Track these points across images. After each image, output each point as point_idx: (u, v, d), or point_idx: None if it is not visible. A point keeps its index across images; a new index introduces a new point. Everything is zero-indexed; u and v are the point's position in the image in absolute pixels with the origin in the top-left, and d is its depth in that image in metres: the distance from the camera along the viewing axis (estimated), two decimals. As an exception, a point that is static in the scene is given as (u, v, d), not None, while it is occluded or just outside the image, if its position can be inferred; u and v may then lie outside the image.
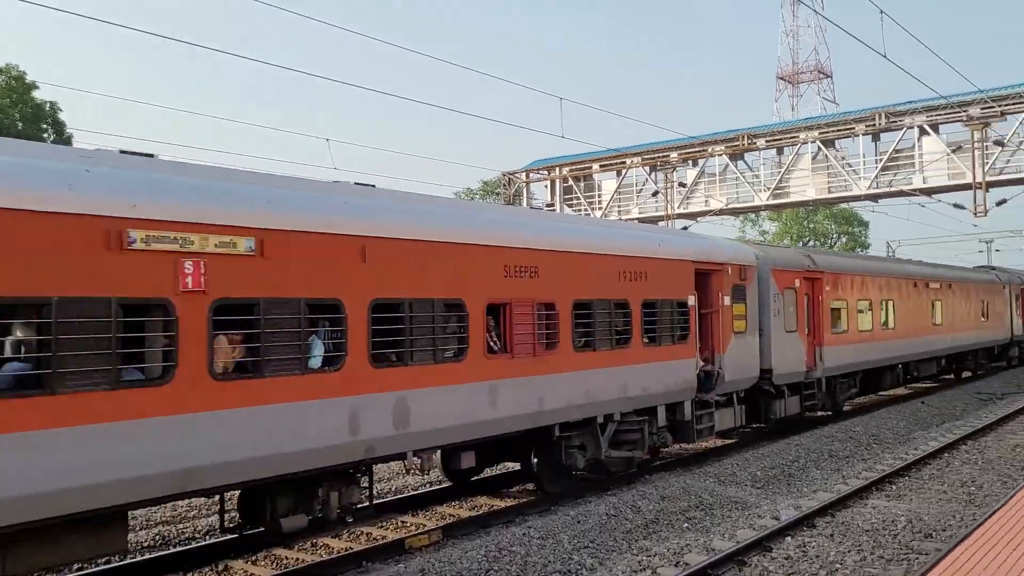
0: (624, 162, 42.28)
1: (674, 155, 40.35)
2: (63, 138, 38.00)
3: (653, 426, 14.68)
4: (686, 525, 12.23)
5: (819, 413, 21.56)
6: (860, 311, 22.80)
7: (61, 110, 40.10)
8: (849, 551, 10.62)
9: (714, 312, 16.19)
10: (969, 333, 31.49)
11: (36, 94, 39.07)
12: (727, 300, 16.48)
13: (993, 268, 37.76)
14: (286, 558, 10.77)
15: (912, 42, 62.32)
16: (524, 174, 45.83)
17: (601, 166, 43.25)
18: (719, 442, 18.79)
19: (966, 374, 33.18)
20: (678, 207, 40.22)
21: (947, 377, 32.18)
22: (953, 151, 33.50)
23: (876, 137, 35.79)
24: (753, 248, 18.75)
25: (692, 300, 15.49)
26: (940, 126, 34.27)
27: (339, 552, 10.79)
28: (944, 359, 29.68)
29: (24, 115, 38.15)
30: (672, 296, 14.99)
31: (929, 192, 34.90)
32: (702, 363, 15.82)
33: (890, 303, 24.74)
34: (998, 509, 10.23)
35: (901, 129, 34.65)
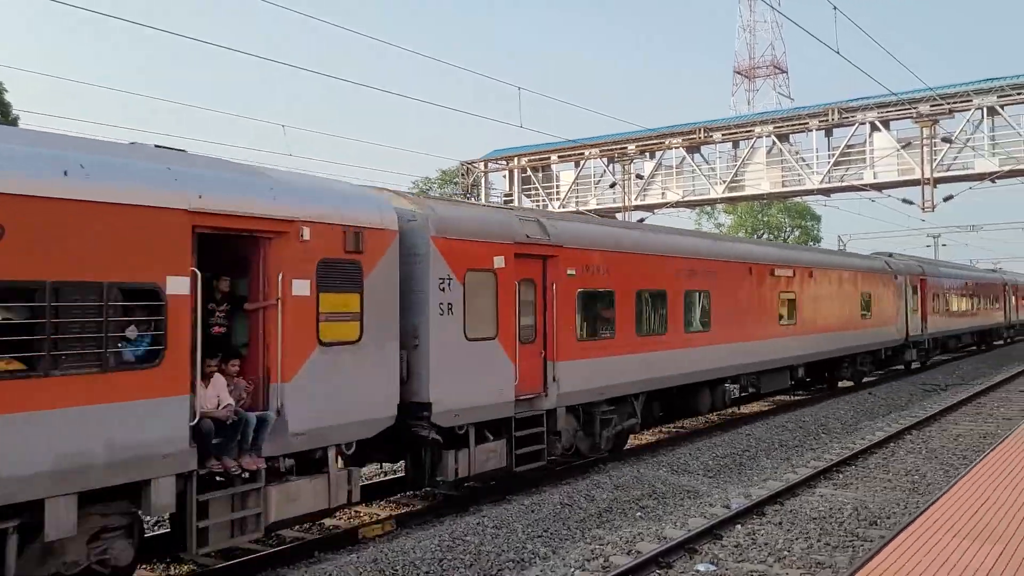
0: (582, 153, 42.44)
1: (632, 147, 40.61)
2: (9, 119, 36.89)
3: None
4: (639, 514, 12.36)
5: (554, 459, 14.12)
6: (643, 306, 15.76)
7: (7, 91, 38.90)
8: (797, 539, 10.82)
9: (268, 308, 9.20)
10: (843, 333, 25.00)
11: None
12: (303, 287, 9.39)
13: (890, 255, 33.14)
14: (236, 549, 10.63)
15: (865, 39, 63.46)
16: (483, 164, 45.74)
17: (559, 157, 43.36)
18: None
19: (845, 383, 27.25)
20: (635, 199, 40.50)
21: (819, 387, 26.49)
22: (903, 147, 34.21)
23: (829, 132, 36.43)
24: (410, 202, 11.75)
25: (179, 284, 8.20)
26: (891, 122, 34.98)
27: (291, 542, 10.69)
28: (801, 368, 22.58)
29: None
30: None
31: (879, 187, 35.62)
32: (225, 402, 8.74)
33: (700, 295, 17.67)
34: (940, 497, 10.50)
35: (853, 125, 35.31)
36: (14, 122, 35.80)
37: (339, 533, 11.02)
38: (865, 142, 35.31)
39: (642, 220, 38.19)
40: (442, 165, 60.95)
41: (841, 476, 14.81)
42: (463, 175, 46.21)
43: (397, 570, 9.43)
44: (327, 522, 11.68)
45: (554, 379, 13.33)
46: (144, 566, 9.90)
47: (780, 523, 11.61)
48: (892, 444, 17.83)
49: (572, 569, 9.71)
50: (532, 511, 11.87)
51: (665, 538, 10.83)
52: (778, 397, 24.73)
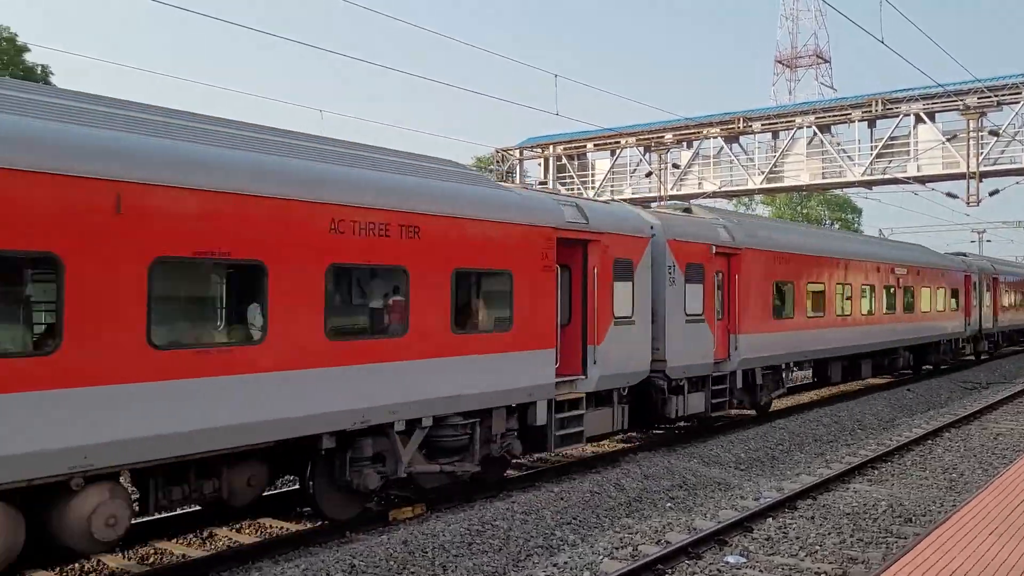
0: (618, 142, 42.20)
1: (669, 136, 40.29)
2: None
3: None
4: (668, 504, 12.31)
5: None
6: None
7: (53, 73, 39.64)
8: (829, 533, 10.71)
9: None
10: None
11: (27, 56, 38.59)
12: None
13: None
14: (270, 527, 10.80)
15: (911, 29, 62.19)
16: (518, 151, 45.68)
17: (595, 145, 43.15)
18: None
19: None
20: (671, 188, 40.19)
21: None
22: (948, 140, 33.53)
23: (872, 124, 35.83)
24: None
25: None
26: (936, 114, 34.31)
27: (323, 522, 10.83)
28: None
29: (15, 77, 37.72)
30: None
31: (923, 180, 34.97)
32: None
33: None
34: (977, 495, 10.32)
35: (897, 116, 34.67)
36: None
37: (370, 515, 11.13)
38: (909, 134, 34.67)
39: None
40: (477, 152, 60.90)
41: (876, 472, 14.61)
42: (498, 162, 46.19)
43: (427, 552, 9.50)
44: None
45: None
46: (180, 537, 10.10)
47: (812, 517, 11.49)
48: (930, 441, 17.55)
49: (601, 557, 9.71)
50: (561, 498, 11.89)
51: (695, 529, 10.78)
52: (819, 391, 24.64)
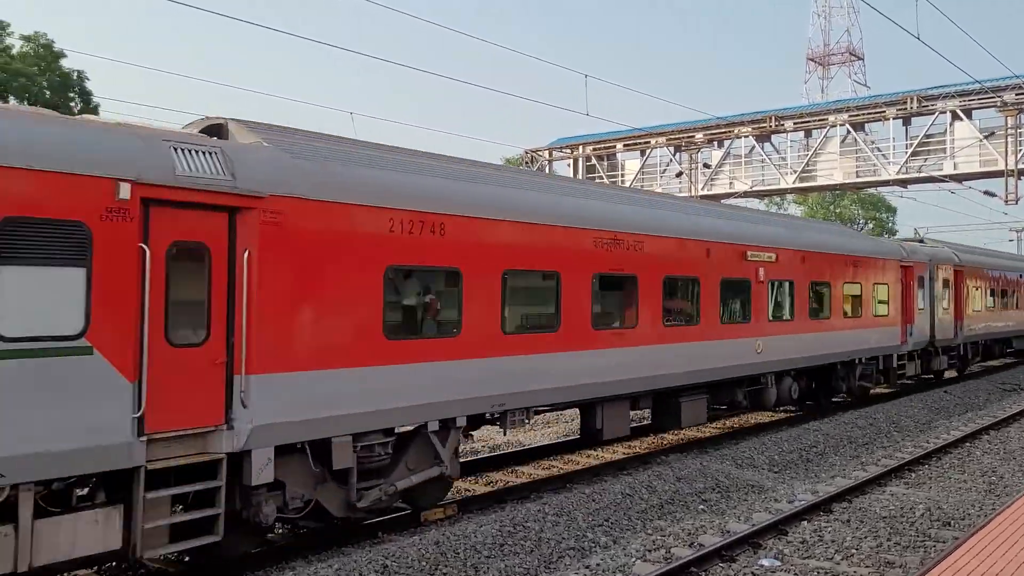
0: (648, 142, 41.98)
1: (699, 136, 39.99)
2: (90, 107, 38.23)
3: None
4: (701, 507, 12.22)
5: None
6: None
7: (88, 79, 40.32)
8: (865, 537, 10.56)
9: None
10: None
11: (63, 62, 39.25)
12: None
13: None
14: (303, 527, 10.88)
15: (947, 24, 61.18)
16: (547, 152, 45.63)
17: (625, 145, 42.97)
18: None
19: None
20: (702, 188, 39.91)
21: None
22: (986, 137, 32.93)
23: (907, 121, 35.25)
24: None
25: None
26: (973, 111, 33.69)
27: (355, 524, 10.87)
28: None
29: (52, 84, 38.39)
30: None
31: (960, 178, 34.37)
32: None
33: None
34: (1018, 499, 10.12)
35: (933, 114, 34.09)
36: (95, 110, 37.09)
37: (402, 515, 11.16)
38: (945, 132, 34.08)
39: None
40: (506, 153, 60.95)
41: (913, 475, 14.38)
42: (527, 163, 46.17)
43: (458, 553, 9.51)
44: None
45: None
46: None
47: (848, 521, 11.34)
48: (968, 444, 17.25)
49: (633, 559, 9.65)
50: (593, 500, 11.84)
51: (728, 531, 10.69)
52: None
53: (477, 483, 13.41)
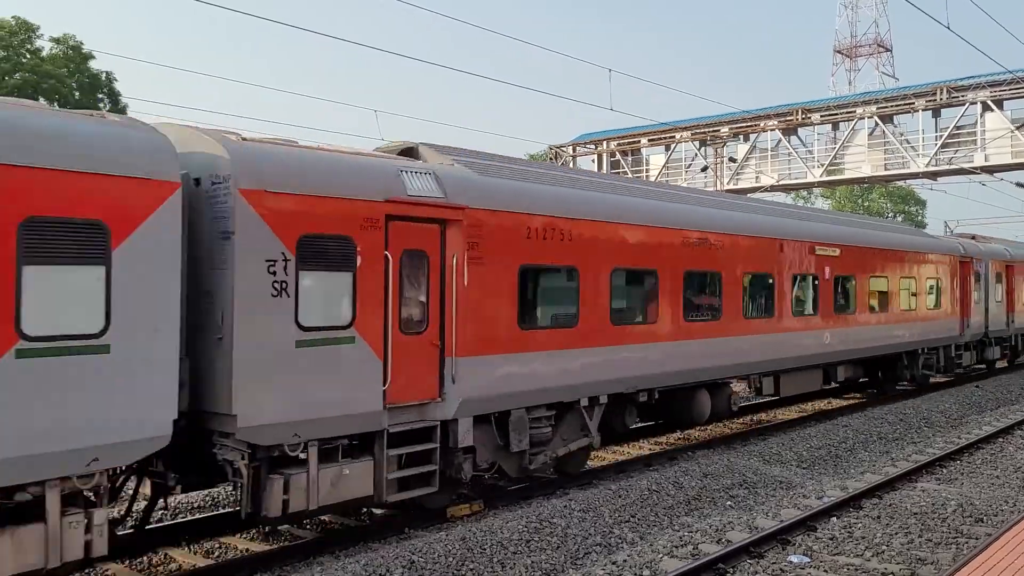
0: (673, 136, 41.72)
1: (725, 130, 39.67)
2: (118, 108, 38.71)
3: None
4: (729, 503, 12.14)
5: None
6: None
7: (116, 80, 40.82)
8: (896, 533, 10.43)
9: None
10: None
11: (92, 64, 39.77)
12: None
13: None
14: (330, 522, 10.95)
15: (977, 13, 60.22)
16: (571, 148, 45.51)
17: (649, 140, 42.74)
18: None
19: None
20: (728, 182, 39.61)
21: None
22: (1017, 128, 32.37)
23: (937, 113, 34.74)
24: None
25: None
26: (1004, 102, 33.13)
27: (381, 518, 10.93)
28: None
29: (81, 85, 38.91)
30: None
31: (991, 170, 33.83)
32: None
33: None
34: (1054, 495, 9.94)
35: (963, 105, 33.56)
36: (123, 110, 37.53)
37: (428, 512, 11.19)
38: (976, 123, 33.53)
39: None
40: (530, 149, 60.82)
41: (945, 471, 14.19)
42: (551, 159, 46.08)
43: (485, 549, 9.52)
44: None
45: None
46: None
47: (878, 517, 11.21)
48: (1001, 439, 16.98)
49: (660, 555, 9.61)
50: (619, 496, 11.80)
51: (756, 528, 10.60)
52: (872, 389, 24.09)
53: (502, 479, 13.41)
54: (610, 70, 23.14)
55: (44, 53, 38.72)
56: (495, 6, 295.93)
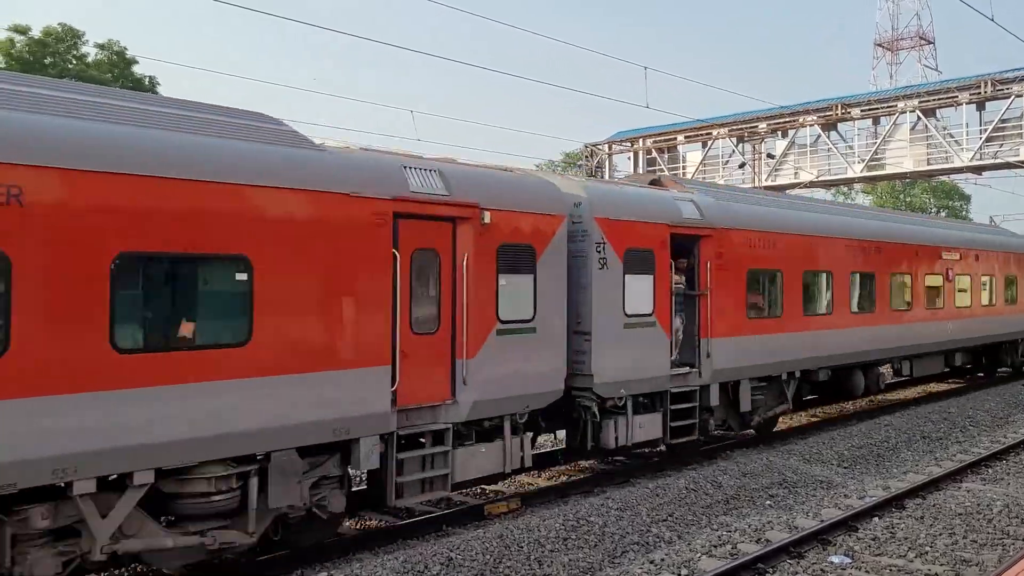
0: (710, 133, 41.32)
1: (763, 126, 39.21)
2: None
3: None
4: (768, 502, 12.03)
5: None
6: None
7: (160, 84, 41.51)
8: (940, 534, 10.27)
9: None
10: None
11: (135, 68, 40.49)
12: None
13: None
14: (369, 519, 11.07)
15: (1022, 4, 58.75)
16: (607, 145, 45.34)
17: (686, 137, 42.39)
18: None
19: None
20: (766, 179, 39.16)
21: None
22: (1065, 120, 31.57)
23: (981, 106, 33.97)
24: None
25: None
26: (1052, 94, 32.31)
27: (421, 515, 11.03)
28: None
29: (125, 89, 39.63)
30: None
31: (1037, 164, 33.02)
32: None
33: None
34: (1104, 497, 9.71)
35: (1009, 97, 32.77)
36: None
37: (466, 508, 11.27)
38: (1021, 116, 32.76)
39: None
40: (566, 148, 60.63)
41: (990, 471, 13.92)
42: (587, 157, 45.96)
43: (522, 547, 9.56)
44: (454, 497, 11.92)
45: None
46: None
47: (922, 517, 11.04)
48: (1049, 439, 16.61)
49: (698, 554, 9.56)
50: (656, 495, 11.77)
51: (796, 528, 10.51)
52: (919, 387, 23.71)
53: (539, 478, 13.45)
54: (646, 68, 23.00)
55: (89, 59, 39.52)
56: (533, 6, 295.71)
